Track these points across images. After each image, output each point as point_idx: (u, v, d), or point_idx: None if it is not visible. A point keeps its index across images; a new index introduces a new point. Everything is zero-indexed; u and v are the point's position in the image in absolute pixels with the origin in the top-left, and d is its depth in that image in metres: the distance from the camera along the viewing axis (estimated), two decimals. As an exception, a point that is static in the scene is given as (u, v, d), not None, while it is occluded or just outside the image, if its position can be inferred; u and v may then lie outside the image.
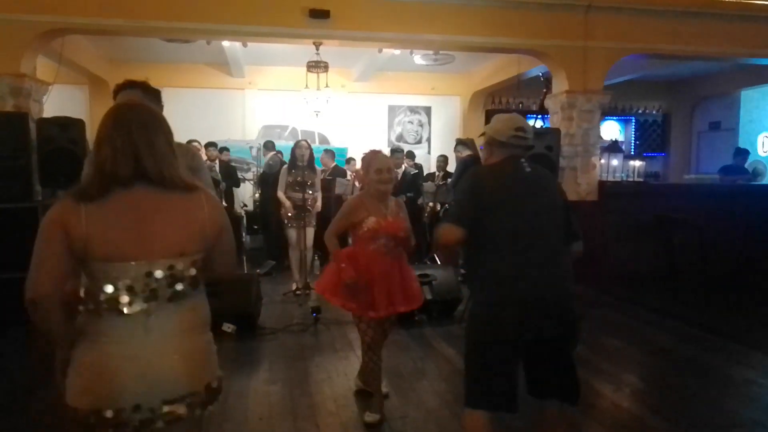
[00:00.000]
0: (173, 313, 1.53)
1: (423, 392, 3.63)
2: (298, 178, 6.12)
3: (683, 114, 11.53)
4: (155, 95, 2.52)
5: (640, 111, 11.49)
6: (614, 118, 11.29)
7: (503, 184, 2.18)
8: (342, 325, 5.09)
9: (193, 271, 1.55)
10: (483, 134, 2.38)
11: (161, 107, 2.53)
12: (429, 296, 5.11)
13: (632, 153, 11.24)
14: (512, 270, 2.11)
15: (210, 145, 7.70)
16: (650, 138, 11.63)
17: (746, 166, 8.73)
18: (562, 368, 2.24)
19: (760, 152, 9.87)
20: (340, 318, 5.29)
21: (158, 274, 1.49)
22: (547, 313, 2.14)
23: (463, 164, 6.21)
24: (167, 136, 1.58)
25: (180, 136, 2.73)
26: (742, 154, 8.64)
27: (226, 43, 7.36)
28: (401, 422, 3.24)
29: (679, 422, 3.31)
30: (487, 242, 2.14)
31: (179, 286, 1.52)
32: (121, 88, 2.48)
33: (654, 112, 11.59)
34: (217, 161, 7.67)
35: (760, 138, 10.24)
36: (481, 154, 2.58)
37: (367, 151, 3.35)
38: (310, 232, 6.36)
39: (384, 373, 3.57)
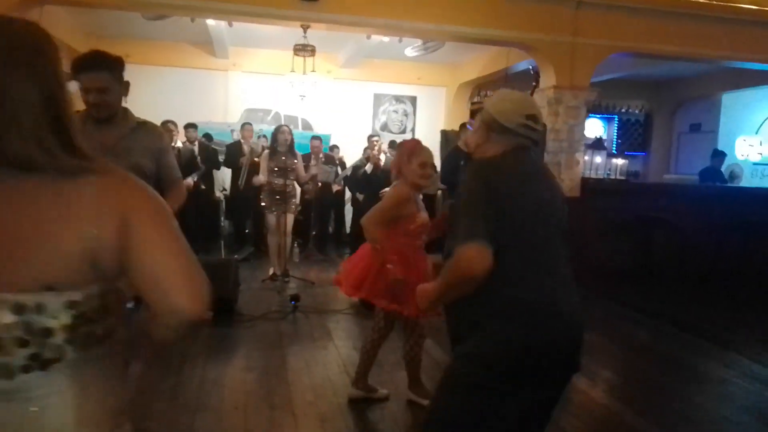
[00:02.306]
0: (35, 402, 0.88)
1: (401, 383, 3.57)
2: (280, 164, 6.05)
3: (665, 114, 11.64)
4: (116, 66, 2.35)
5: (623, 110, 11.56)
6: (598, 115, 11.34)
7: (522, 183, 1.70)
8: (320, 314, 5.03)
9: (69, 318, 0.86)
10: (477, 108, 2.03)
11: (124, 82, 2.38)
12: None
13: (614, 151, 11.32)
14: (545, 302, 1.62)
15: (189, 126, 7.51)
16: (632, 137, 11.72)
17: (723, 168, 8.88)
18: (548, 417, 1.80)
19: (738, 155, 10.01)
20: (318, 306, 5.24)
21: (4, 319, 0.83)
22: (575, 353, 1.70)
23: (454, 157, 5.72)
24: (48, 82, 0.91)
25: (159, 116, 2.65)
26: (719, 156, 8.77)
27: (210, 22, 7.16)
28: (380, 413, 3.20)
29: (655, 417, 3.33)
30: (508, 261, 1.60)
31: (44, 349, 0.85)
32: (80, 63, 2.30)
33: (637, 111, 11.67)
34: (196, 143, 7.51)
35: (738, 141, 10.40)
36: (467, 135, 1.88)
37: (408, 138, 3.22)
38: (290, 219, 6.30)
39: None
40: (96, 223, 0.90)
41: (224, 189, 8.35)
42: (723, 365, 4.33)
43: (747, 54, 7.41)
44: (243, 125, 7.95)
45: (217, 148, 8.03)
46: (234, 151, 7.60)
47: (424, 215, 3.02)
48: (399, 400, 3.35)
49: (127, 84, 2.45)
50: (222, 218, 8.00)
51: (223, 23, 7.37)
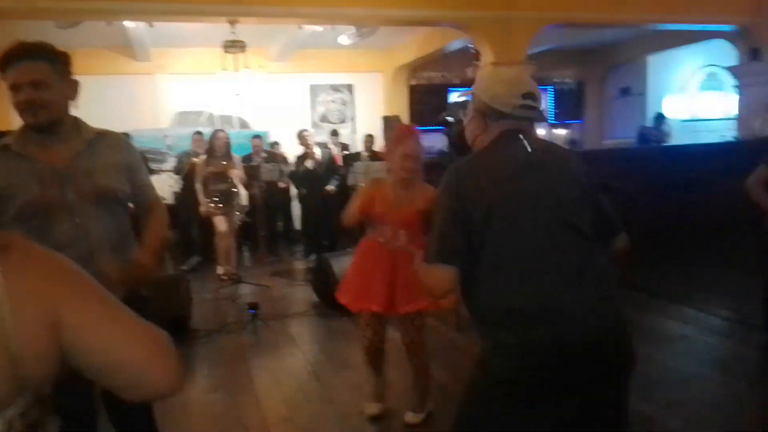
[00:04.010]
0: None
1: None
2: (218, 169, 6.01)
3: (596, 81, 11.94)
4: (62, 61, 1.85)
5: (556, 80, 11.77)
6: (534, 88, 11.52)
7: (495, 179, 1.53)
8: (281, 320, 4.85)
9: None
10: (472, 95, 1.68)
11: (70, 80, 1.88)
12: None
13: (554, 122, 11.53)
14: (534, 304, 1.47)
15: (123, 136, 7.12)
16: (567, 106, 11.96)
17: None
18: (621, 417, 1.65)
19: (667, 115, 10.39)
20: (278, 312, 5.06)
21: None
22: (597, 352, 1.50)
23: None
24: None
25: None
26: (661, 118, 9.17)
27: (129, 24, 6.74)
28: (358, 419, 3.09)
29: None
30: (485, 266, 1.49)
31: None
32: (7, 54, 1.77)
33: (569, 80, 11.91)
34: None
35: (665, 101, 10.80)
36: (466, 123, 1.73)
37: (402, 124, 3.00)
38: (234, 220, 6.29)
39: (335, 367, 3.41)
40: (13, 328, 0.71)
41: (162, 198, 7.96)
42: (681, 322, 4.44)
43: (668, 16, 7.65)
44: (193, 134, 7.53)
45: (149, 156, 7.62)
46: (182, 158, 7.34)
47: (395, 213, 2.72)
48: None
49: (75, 84, 1.91)
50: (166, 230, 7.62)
51: (142, 24, 6.96)
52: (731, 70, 9.02)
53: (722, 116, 9.77)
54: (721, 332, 4.29)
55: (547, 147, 1.72)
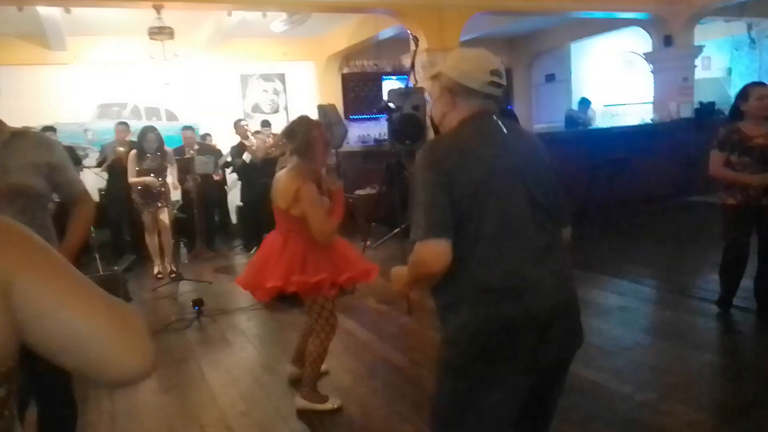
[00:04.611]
0: None
1: (334, 371, 3.45)
2: (148, 166, 5.86)
3: (523, 68, 12.30)
4: None
5: (484, 67, 12.04)
6: (464, 75, 11.72)
7: (481, 156, 1.54)
8: (228, 315, 4.72)
9: None
10: (437, 75, 1.68)
11: None
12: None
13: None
14: (512, 278, 1.51)
15: (46, 130, 6.68)
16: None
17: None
18: (556, 394, 1.72)
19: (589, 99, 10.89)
20: (224, 307, 4.92)
21: None
22: (559, 327, 1.57)
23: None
24: None
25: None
26: (586, 103, 9.57)
27: (42, 10, 6.25)
28: (322, 413, 3.04)
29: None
30: (465, 242, 1.50)
31: None
32: None
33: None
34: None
35: (589, 86, 11.31)
36: (430, 105, 1.77)
37: (311, 120, 2.96)
38: (165, 215, 6.06)
39: (290, 359, 3.35)
40: None
41: (88, 196, 7.51)
42: (617, 293, 4.68)
43: (589, 4, 8.00)
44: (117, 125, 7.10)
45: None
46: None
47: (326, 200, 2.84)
48: (339, 389, 3.19)
49: None
50: (91, 228, 7.20)
51: (57, 11, 6.49)
52: (646, 56, 9.55)
53: (640, 100, 10.33)
54: (655, 301, 4.55)
55: (517, 128, 1.74)
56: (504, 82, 1.65)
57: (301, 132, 2.82)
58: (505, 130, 1.61)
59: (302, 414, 2.95)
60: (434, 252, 1.47)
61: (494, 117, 1.63)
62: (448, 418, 1.60)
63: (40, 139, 2.15)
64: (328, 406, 2.95)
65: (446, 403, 1.61)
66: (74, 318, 0.72)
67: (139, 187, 5.92)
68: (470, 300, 1.53)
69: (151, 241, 6.14)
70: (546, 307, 1.52)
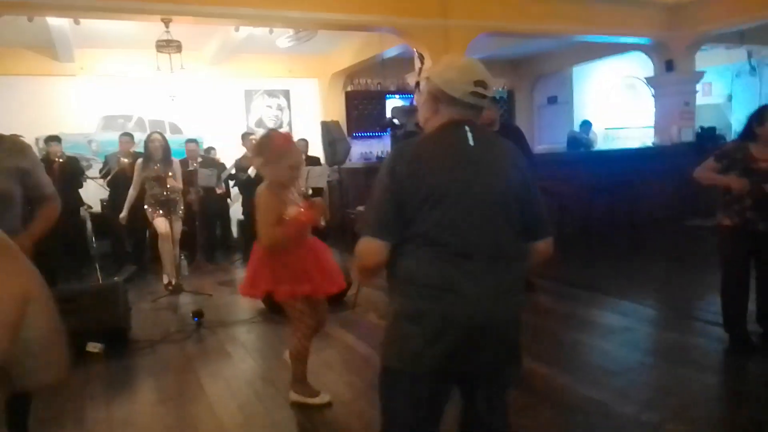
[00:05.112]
0: None
1: (334, 385, 3.41)
2: (153, 174, 5.80)
3: (525, 90, 12.41)
4: None
5: (489, 89, 12.14)
6: (467, 96, 11.82)
7: (437, 166, 1.59)
8: (228, 327, 4.68)
9: None
10: (426, 78, 1.74)
11: None
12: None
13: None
14: (439, 279, 1.56)
15: (51, 139, 6.72)
16: (499, 114, 12.36)
17: (577, 136, 9.79)
18: (493, 407, 1.76)
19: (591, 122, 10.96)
20: (223, 319, 4.88)
21: None
22: (481, 338, 1.61)
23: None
24: None
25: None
26: (587, 125, 9.64)
27: (52, 21, 6.33)
28: (321, 420, 3.01)
29: (575, 372, 3.49)
30: (411, 238, 1.58)
31: None
32: None
33: (501, 89, 12.31)
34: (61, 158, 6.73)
35: (590, 109, 11.40)
36: (418, 104, 1.82)
37: (276, 131, 3.06)
38: (177, 225, 5.99)
39: (290, 372, 3.31)
40: None
41: (89, 207, 7.52)
42: (620, 314, 4.65)
43: (591, 28, 8.09)
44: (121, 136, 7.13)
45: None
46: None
47: (292, 209, 2.89)
48: (338, 402, 3.16)
49: None
50: (92, 238, 7.20)
51: (66, 22, 6.56)
52: (648, 80, 9.64)
53: (641, 124, 10.40)
54: (658, 322, 4.53)
55: (489, 139, 1.73)
56: (489, 93, 1.67)
57: (265, 145, 2.97)
58: (471, 142, 1.63)
59: (301, 428, 2.91)
60: (369, 249, 1.59)
61: (466, 127, 1.64)
62: (380, 392, 1.73)
63: (14, 142, 2.22)
64: (318, 400, 3.08)
65: (385, 405, 1.73)
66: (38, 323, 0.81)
67: (148, 196, 5.86)
68: (399, 291, 1.64)
69: (165, 248, 5.87)
70: (468, 315, 1.57)
